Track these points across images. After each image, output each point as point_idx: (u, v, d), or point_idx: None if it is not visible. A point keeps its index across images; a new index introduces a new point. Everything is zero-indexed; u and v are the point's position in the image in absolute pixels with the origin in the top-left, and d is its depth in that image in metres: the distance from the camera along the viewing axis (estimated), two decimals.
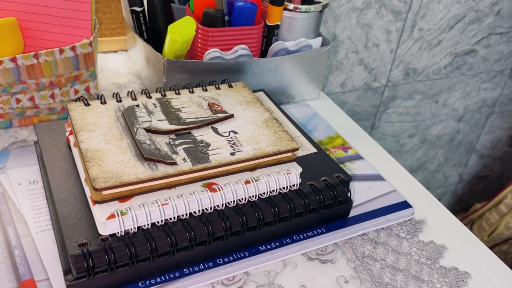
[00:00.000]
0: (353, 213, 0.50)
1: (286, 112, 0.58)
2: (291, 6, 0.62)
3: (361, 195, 0.52)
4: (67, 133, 0.48)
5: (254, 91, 0.61)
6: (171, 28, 0.53)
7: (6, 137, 0.55)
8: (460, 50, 1.13)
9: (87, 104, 0.48)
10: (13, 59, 0.51)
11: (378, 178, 0.55)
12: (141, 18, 0.61)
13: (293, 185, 0.45)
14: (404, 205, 0.51)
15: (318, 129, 0.62)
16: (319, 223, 0.47)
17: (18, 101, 0.55)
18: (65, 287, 0.38)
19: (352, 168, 0.56)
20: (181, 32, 0.53)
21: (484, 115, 1.32)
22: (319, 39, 0.65)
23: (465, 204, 1.52)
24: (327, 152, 0.58)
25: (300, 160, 0.48)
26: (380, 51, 1.05)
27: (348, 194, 0.47)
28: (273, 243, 0.45)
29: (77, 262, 0.37)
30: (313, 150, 0.51)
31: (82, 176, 0.43)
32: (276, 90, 0.65)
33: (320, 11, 0.64)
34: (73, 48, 0.54)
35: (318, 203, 0.45)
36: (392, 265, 0.46)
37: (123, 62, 0.73)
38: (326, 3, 0.64)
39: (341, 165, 0.56)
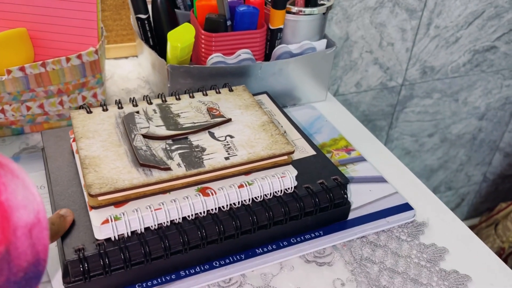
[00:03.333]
0: (352, 215, 0.49)
1: (289, 115, 0.58)
2: (294, 9, 0.63)
3: (362, 197, 0.52)
4: (71, 140, 0.50)
5: (257, 94, 0.61)
6: (171, 35, 0.54)
7: (18, 143, 0.58)
8: (480, 47, 1.10)
9: (89, 112, 0.49)
10: (22, 68, 0.53)
11: (380, 180, 0.54)
12: (146, 25, 0.62)
13: (288, 189, 0.45)
14: (406, 207, 0.51)
15: (322, 131, 0.62)
16: (317, 225, 0.47)
17: (28, 108, 0.57)
18: None
19: (354, 170, 0.56)
20: (180, 38, 0.54)
21: (508, 112, 1.28)
22: (324, 41, 0.65)
23: (490, 203, 1.48)
24: (330, 155, 0.58)
25: (297, 163, 0.48)
26: (395, 50, 1.03)
27: (346, 197, 0.47)
28: (269, 246, 0.46)
29: (74, 267, 0.38)
30: (312, 152, 0.51)
31: (83, 182, 0.45)
32: (281, 93, 0.65)
33: (324, 13, 0.64)
34: (79, 56, 0.56)
35: (314, 206, 0.45)
36: (391, 268, 0.46)
37: (133, 68, 0.75)
38: (330, 5, 0.64)
39: (344, 167, 0.56)
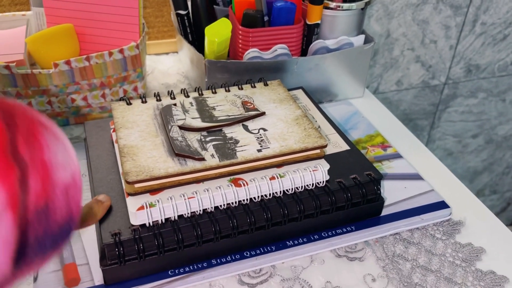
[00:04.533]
0: (386, 211, 0.49)
1: (324, 110, 0.58)
2: (332, 4, 0.62)
3: (397, 194, 0.51)
4: (111, 130, 0.52)
5: (293, 89, 0.61)
6: (208, 29, 0.55)
7: None
8: None
9: (129, 103, 0.51)
10: (67, 62, 0.56)
11: (416, 177, 0.53)
12: (186, 20, 0.64)
13: (320, 182, 0.45)
14: (441, 205, 0.50)
15: (358, 127, 0.61)
16: (348, 220, 0.47)
17: (73, 100, 0.59)
18: (101, 272, 0.41)
19: (390, 166, 0.55)
20: (217, 33, 0.55)
21: None
22: (362, 37, 0.65)
23: None
24: (365, 151, 0.57)
25: (331, 158, 0.48)
26: (438, 47, 1.01)
27: (379, 193, 0.47)
28: (300, 239, 0.46)
29: (110, 250, 0.40)
30: (346, 147, 0.51)
31: (121, 170, 0.46)
32: (317, 88, 0.65)
33: (362, 9, 0.63)
34: (121, 51, 0.58)
35: (346, 201, 0.45)
36: (424, 266, 0.45)
37: (174, 63, 0.76)
38: (368, 0, 0.63)
39: (379, 164, 0.55)
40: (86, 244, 0.45)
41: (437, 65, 1.03)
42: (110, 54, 0.57)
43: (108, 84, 0.60)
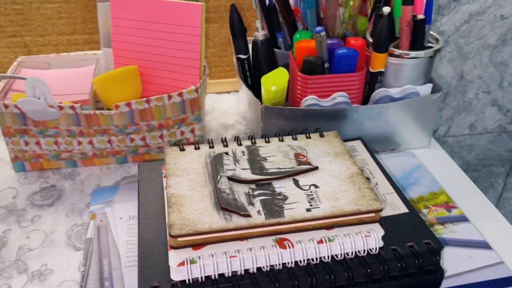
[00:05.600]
0: (447, 284, 0.45)
1: (385, 162, 0.55)
2: (397, 51, 0.59)
3: (460, 264, 0.46)
4: (163, 175, 0.52)
5: (352, 139, 0.59)
6: (264, 79, 0.55)
7: (120, 172, 0.62)
8: None
9: (182, 149, 0.51)
10: (128, 104, 0.57)
11: (483, 245, 0.48)
12: (246, 64, 0.64)
13: (372, 249, 0.42)
14: None
15: (421, 183, 0.57)
16: None
17: (131, 140, 0.61)
18: None
19: (453, 231, 0.50)
20: (273, 82, 0.54)
21: None
22: (429, 86, 0.61)
23: None
24: (427, 210, 0.53)
25: (386, 221, 0.45)
26: None
27: (438, 264, 0.43)
28: None
29: None
30: (404, 210, 0.47)
31: (167, 220, 0.46)
32: (378, 137, 0.62)
33: (430, 57, 0.60)
34: (180, 94, 0.58)
35: (400, 271, 0.42)
36: None
37: (234, 103, 0.76)
38: (438, 48, 0.60)
39: (441, 227, 0.51)
40: None
41: None
42: (170, 97, 0.58)
43: (166, 125, 0.61)
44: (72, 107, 0.57)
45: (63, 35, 0.75)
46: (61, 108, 0.57)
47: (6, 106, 0.56)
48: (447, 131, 0.98)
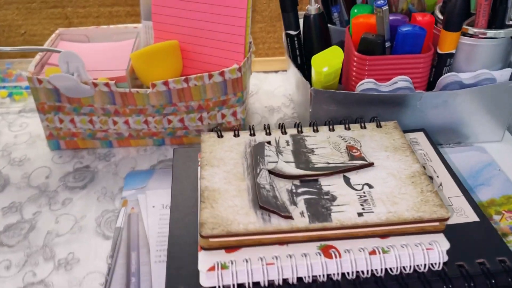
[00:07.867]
0: None
1: (450, 157, 0.48)
2: (472, 30, 0.51)
3: None
4: (199, 163, 0.47)
5: (413, 131, 0.52)
6: (315, 59, 0.48)
7: (157, 155, 0.58)
8: None
9: (220, 136, 0.46)
10: (165, 83, 0.53)
11: None
12: (296, 42, 0.57)
13: (435, 264, 0.36)
14: None
15: (492, 184, 0.50)
16: None
17: (169, 121, 0.57)
18: None
19: None
20: (326, 63, 0.48)
21: None
22: (508, 71, 0.53)
23: None
24: (499, 217, 0.46)
25: (452, 230, 0.38)
26: None
27: None
28: None
29: None
30: (474, 218, 0.41)
31: (199, 215, 0.42)
32: (443, 129, 0.55)
33: None
34: (221, 74, 0.53)
35: None
36: None
37: (281, 83, 0.71)
38: None
39: None
40: None
41: None
42: (210, 76, 0.53)
43: (206, 107, 0.56)
44: (106, 84, 0.53)
45: (105, 7, 0.71)
46: (95, 85, 0.53)
47: (40, 81, 0.53)
48: None
